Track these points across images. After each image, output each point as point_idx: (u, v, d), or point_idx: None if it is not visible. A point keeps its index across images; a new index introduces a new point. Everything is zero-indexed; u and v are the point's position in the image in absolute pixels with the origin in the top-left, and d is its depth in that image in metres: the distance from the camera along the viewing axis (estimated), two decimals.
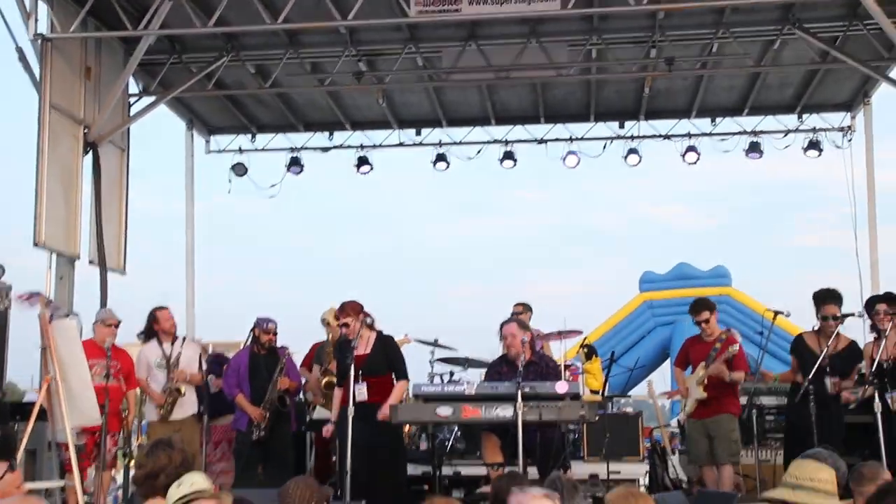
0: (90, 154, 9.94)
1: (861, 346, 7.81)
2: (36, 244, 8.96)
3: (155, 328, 8.55)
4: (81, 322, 8.25)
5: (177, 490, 3.84)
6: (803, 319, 8.23)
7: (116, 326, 8.43)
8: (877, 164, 12.01)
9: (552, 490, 3.81)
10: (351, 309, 7.42)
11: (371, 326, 7.48)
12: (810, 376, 7.42)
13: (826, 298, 7.75)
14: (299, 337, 9.56)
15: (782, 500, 3.82)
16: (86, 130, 9.85)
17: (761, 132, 12.83)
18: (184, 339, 8.71)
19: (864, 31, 10.03)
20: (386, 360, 7.48)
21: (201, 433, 8.38)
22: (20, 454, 7.15)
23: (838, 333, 7.62)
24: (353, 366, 7.06)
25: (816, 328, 7.83)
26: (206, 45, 10.75)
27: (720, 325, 8.40)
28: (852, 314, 7.68)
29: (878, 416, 6.97)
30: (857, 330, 8.05)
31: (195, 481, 3.88)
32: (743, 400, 8.60)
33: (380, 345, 7.49)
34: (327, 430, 7.67)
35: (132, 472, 9.94)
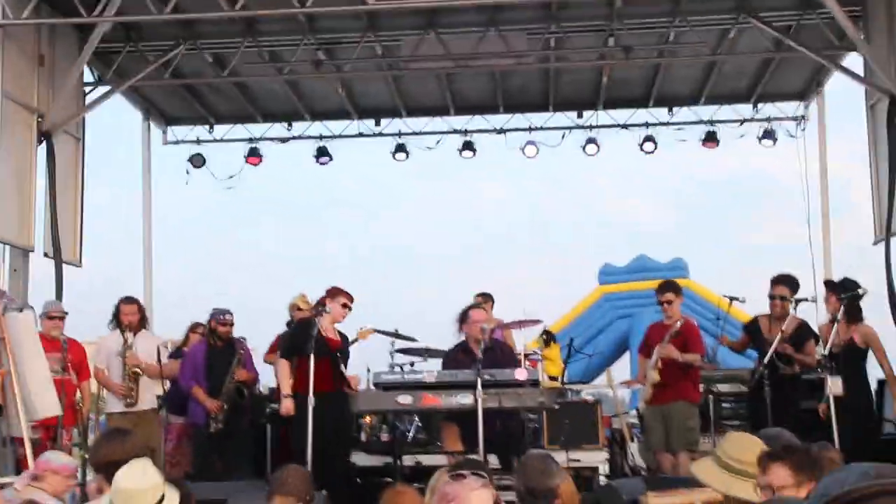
0: (44, 144, 9.80)
1: (813, 326, 7.97)
2: None
3: (120, 318, 8.53)
4: (36, 315, 8.14)
5: (143, 478, 3.63)
6: (759, 310, 8.36)
7: (62, 319, 8.34)
8: (829, 154, 12.22)
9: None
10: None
11: None
12: (764, 361, 7.55)
13: (777, 280, 7.92)
14: (256, 329, 9.54)
15: (705, 481, 3.80)
16: (39, 119, 9.68)
17: (717, 121, 12.96)
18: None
19: (818, 20, 10.15)
20: (346, 353, 7.67)
21: (160, 427, 8.36)
22: None
23: (792, 317, 7.75)
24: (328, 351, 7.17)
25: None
26: (163, 33, 10.62)
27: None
28: (805, 299, 7.82)
29: (831, 399, 7.09)
30: (811, 316, 8.23)
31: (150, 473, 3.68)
32: (699, 388, 8.70)
33: (343, 338, 7.75)
34: (286, 407, 7.45)
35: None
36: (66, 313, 8.44)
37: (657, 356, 7.90)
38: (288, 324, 9.28)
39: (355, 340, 8.08)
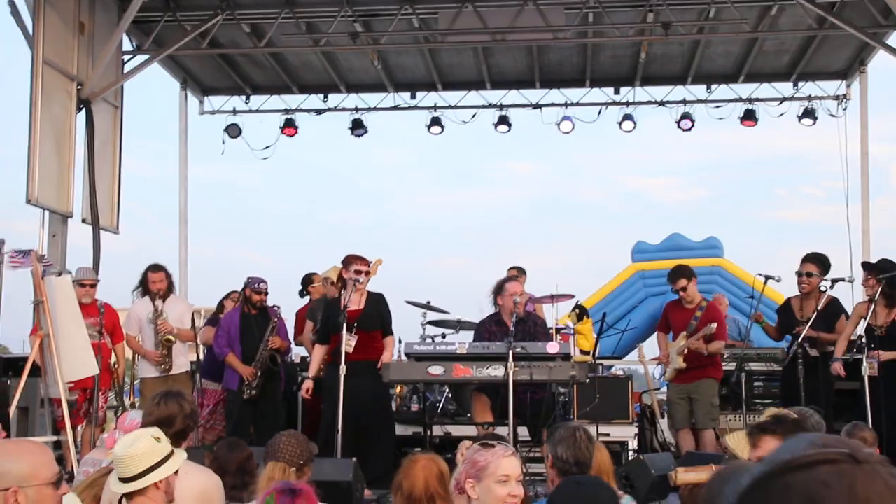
0: (83, 111, 9.90)
1: (848, 307, 7.92)
2: (29, 201, 8.94)
3: (148, 286, 8.65)
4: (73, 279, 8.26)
5: (132, 446, 3.48)
6: (793, 290, 8.31)
7: (93, 286, 8.44)
8: (870, 134, 12.03)
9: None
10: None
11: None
12: (799, 340, 7.52)
13: (806, 258, 7.90)
14: (287, 301, 9.61)
15: (735, 450, 3.80)
16: (79, 87, 9.78)
17: (756, 100, 12.79)
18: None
19: None
20: (379, 317, 7.56)
21: (193, 390, 8.47)
22: (12, 410, 7.20)
23: (824, 295, 7.71)
24: (345, 323, 7.11)
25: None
26: (201, 3, 10.66)
27: (708, 295, 8.49)
28: (843, 279, 7.76)
29: (867, 379, 7.04)
30: (846, 297, 8.17)
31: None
32: (732, 365, 8.69)
33: (373, 302, 7.58)
34: (306, 387, 7.70)
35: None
36: (98, 281, 8.55)
37: (684, 345, 7.93)
38: (300, 293, 9.40)
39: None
